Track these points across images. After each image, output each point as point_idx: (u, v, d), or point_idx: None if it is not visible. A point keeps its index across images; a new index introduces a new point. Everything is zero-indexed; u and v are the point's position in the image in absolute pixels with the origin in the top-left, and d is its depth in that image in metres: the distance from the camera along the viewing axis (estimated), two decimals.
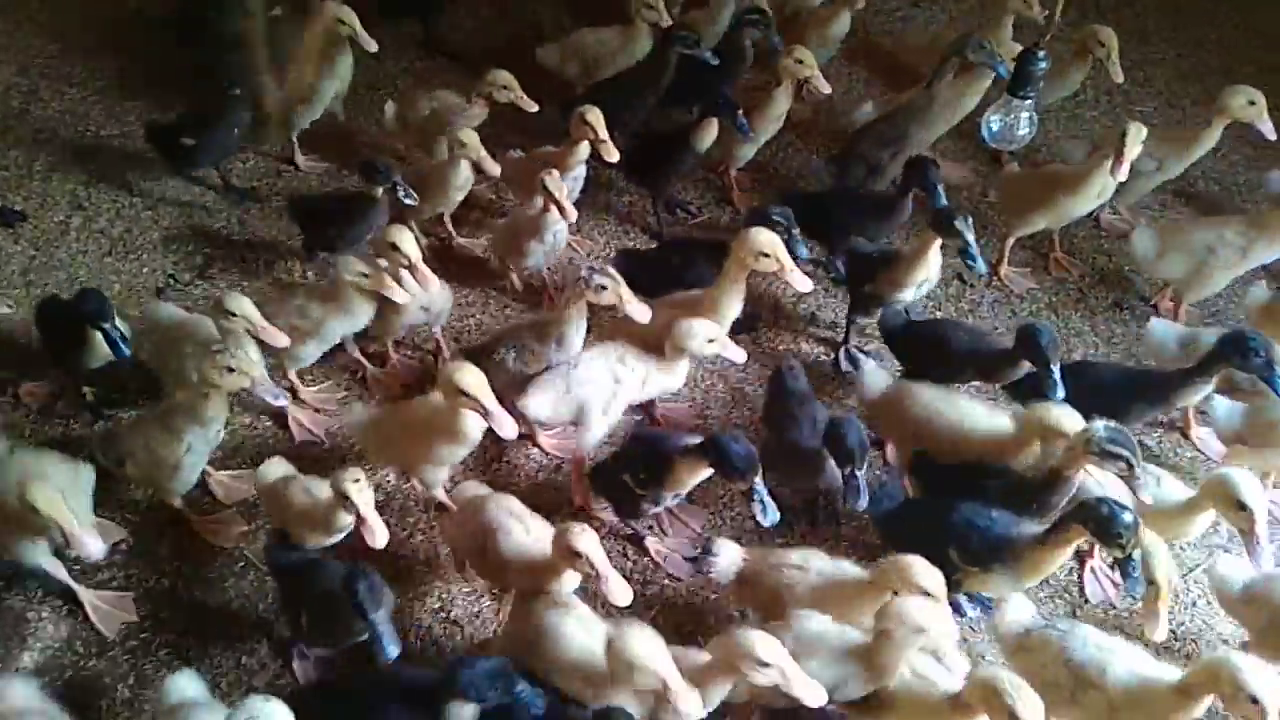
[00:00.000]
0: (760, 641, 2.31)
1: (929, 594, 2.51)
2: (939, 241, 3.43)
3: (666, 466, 2.86)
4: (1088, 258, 4.44)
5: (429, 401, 3.01)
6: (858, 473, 2.80)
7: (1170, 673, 2.54)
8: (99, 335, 3.12)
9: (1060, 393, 3.05)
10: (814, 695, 2.32)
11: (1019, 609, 2.81)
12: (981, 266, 3.44)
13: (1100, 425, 2.79)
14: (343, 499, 2.67)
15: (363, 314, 3.37)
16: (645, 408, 3.63)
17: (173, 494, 3.08)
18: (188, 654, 2.92)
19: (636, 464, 2.95)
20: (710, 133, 4.03)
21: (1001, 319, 4.13)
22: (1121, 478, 2.79)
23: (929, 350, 3.44)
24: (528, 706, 2.34)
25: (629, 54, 4.49)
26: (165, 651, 2.93)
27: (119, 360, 3.17)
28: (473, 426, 2.90)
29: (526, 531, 2.77)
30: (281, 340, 3.12)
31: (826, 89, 4.09)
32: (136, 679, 2.86)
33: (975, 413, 3.14)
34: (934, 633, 2.40)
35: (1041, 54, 3.19)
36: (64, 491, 2.65)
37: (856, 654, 2.51)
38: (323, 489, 2.81)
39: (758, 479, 2.71)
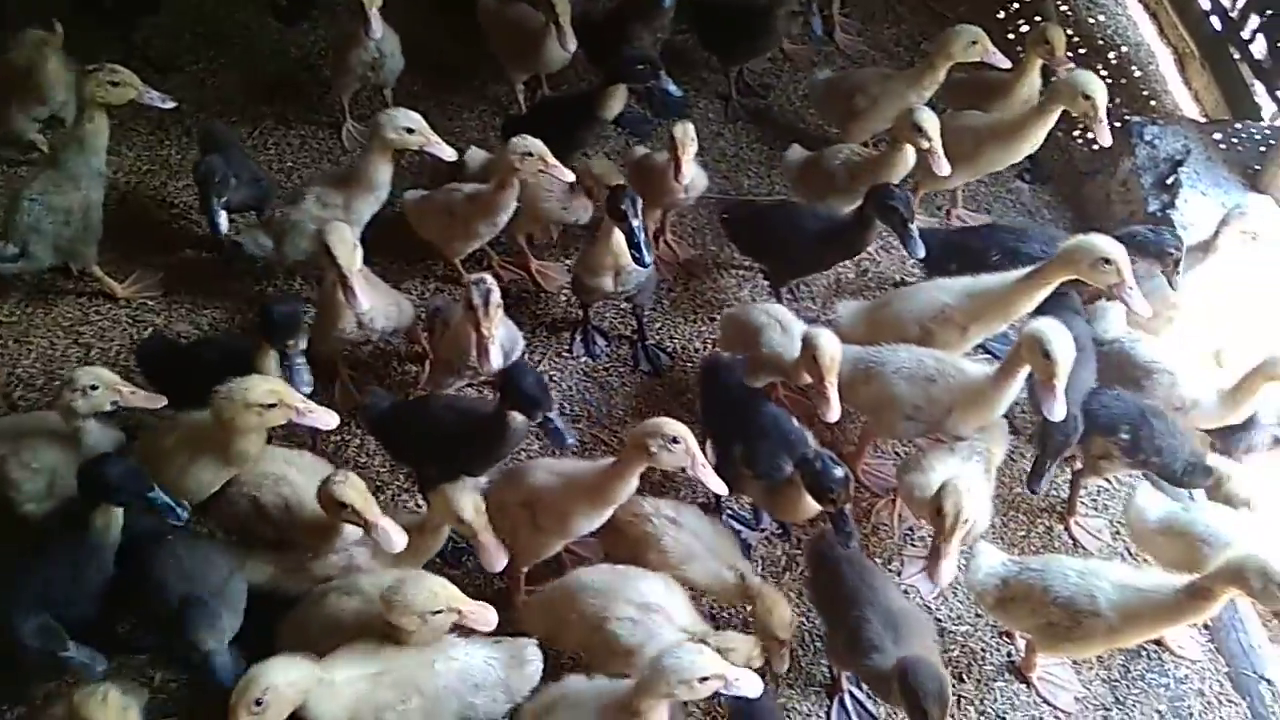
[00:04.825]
0: (669, 424, 2.56)
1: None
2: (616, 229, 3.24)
3: None
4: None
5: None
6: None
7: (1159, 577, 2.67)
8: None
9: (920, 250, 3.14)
10: (717, 484, 2.61)
11: (988, 559, 2.88)
12: (646, 258, 3.18)
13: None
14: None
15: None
16: None
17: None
18: None
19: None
20: (619, 98, 3.62)
21: None
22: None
23: None
24: None
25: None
26: None
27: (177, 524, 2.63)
28: None
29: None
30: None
31: (946, 169, 3.44)
32: None
33: None
34: None
35: None
36: None
37: None
38: None
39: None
